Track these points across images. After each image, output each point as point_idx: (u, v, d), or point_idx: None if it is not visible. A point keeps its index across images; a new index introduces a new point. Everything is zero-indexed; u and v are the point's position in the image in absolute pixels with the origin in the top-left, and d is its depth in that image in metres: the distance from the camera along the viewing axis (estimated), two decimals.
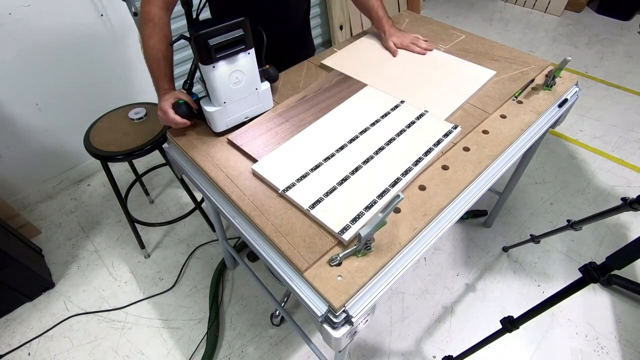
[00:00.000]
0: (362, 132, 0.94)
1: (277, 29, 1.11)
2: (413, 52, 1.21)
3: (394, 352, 1.38)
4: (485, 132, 0.96)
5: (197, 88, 1.02)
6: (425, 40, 1.23)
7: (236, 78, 0.89)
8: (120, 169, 2.05)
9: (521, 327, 0.93)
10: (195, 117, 0.96)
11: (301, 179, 0.84)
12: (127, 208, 1.52)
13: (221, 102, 0.91)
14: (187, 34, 0.88)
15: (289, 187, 0.82)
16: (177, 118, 0.91)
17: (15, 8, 1.48)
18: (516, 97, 1.06)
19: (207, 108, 0.92)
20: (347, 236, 0.72)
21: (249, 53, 0.88)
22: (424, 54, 1.20)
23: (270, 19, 1.08)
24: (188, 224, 1.82)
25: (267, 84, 0.98)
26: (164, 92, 0.94)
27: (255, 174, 0.87)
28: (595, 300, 1.49)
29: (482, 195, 0.86)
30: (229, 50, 0.83)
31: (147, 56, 0.95)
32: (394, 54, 1.21)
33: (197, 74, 0.96)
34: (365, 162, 0.87)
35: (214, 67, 0.84)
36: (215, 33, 0.80)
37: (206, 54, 0.82)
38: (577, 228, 1.27)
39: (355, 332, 0.69)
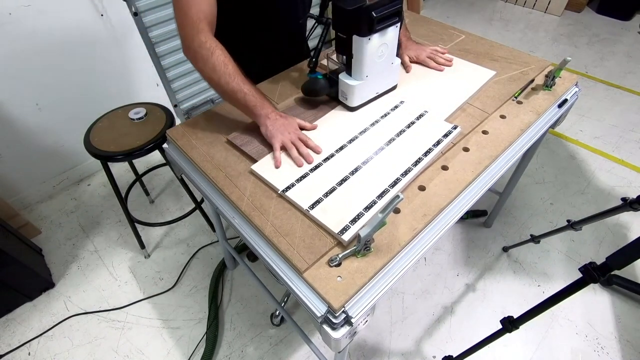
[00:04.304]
0: (361, 133, 0.94)
1: (288, 25, 1.11)
2: (429, 67, 1.12)
3: (394, 352, 1.38)
4: (485, 132, 0.96)
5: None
6: (444, 53, 1.15)
7: (382, 51, 0.91)
8: (120, 169, 2.05)
9: (521, 327, 0.93)
10: (326, 93, 0.99)
11: (300, 180, 0.84)
12: (127, 208, 1.52)
13: (364, 75, 0.92)
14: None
15: (288, 188, 0.82)
16: (308, 125, 0.94)
17: (15, 8, 1.48)
18: (516, 98, 1.06)
19: (349, 82, 0.94)
20: (346, 237, 0.72)
21: (396, 26, 0.89)
22: (440, 70, 1.12)
23: (285, 14, 1.07)
24: (188, 224, 1.82)
25: (399, 60, 1.00)
26: (275, 112, 0.90)
27: (255, 174, 0.87)
28: (595, 300, 1.49)
29: (482, 195, 0.86)
30: (386, 22, 0.85)
31: (232, 87, 0.85)
32: (407, 69, 1.14)
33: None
34: (365, 162, 0.87)
35: (369, 39, 0.85)
36: (379, 4, 0.82)
37: (367, 26, 0.83)
38: (577, 228, 1.27)
39: (355, 332, 0.69)
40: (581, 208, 1.80)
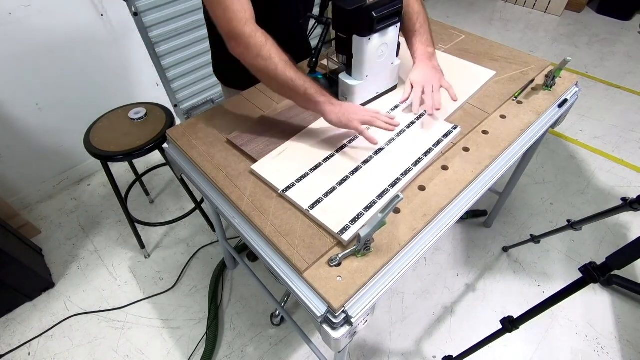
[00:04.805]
0: None
1: (288, 25, 1.10)
2: (413, 104, 0.94)
3: (394, 352, 1.38)
4: (485, 132, 0.96)
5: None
6: (454, 98, 0.96)
7: (382, 51, 0.91)
8: (120, 169, 2.05)
9: (521, 327, 0.93)
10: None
11: (301, 179, 0.84)
12: (127, 208, 1.52)
13: (364, 75, 0.92)
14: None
15: (288, 187, 0.82)
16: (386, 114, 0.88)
17: (15, 8, 1.48)
18: (516, 98, 1.06)
19: (349, 82, 0.93)
20: (346, 236, 0.72)
21: (396, 26, 0.89)
22: (415, 112, 0.94)
23: (285, 14, 1.07)
24: (188, 224, 1.82)
25: (399, 60, 1.00)
26: (334, 99, 0.85)
27: (255, 174, 0.87)
28: (595, 300, 1.49)
29: (482, 195, 0.86)
30: (386, 22, 0.85)
31: (288, 76, 0.80)
32: (403, 95, 0.96)
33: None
34: (365, 162, 0.87)
35: (369, 39, 0.85)
36: (379, 4, 0.82)
37: (368, 26, 0.83)
38: (577, 228, 1.27)
39: (355, 332, 0.69)
40: (581, 208, 1.80)
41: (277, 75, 0.80)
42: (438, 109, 0.92)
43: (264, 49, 0.78)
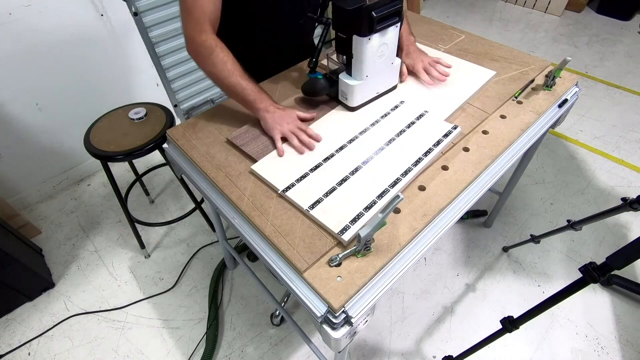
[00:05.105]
0: (361, 133, 0.94)
1: (290, 24, 1.11)
2: (421, 79, 1.07)
3: (394, 352, 1.38)
4: (485, 132, 0.96)
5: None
6: (447, 66, 1.09)
7: (382, 51, 0.91)
8: (120, 169, 2.05)
9: (521, 327, 0.93)
10: (326, 93, 1.01)
11: (301, 179, 0.84)
12: (127, 208, 1.52)
13: (364, 75, 0.93)
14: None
15: (288, 188, 0.82)
16: (307, 115, 0.96)
17: (15, 8, 1.48)
18: (516, 98, 1.06)
19: (349, 82, 0.94)
20: (346, 237, 0.72)
21: (396, 26, 0.90)
22: (431, 84, 1.06)
23: (287, 14, 1.08)
24: (188, 224, 1.82)
25: (399, 60, 1.01)
26: (274, 105, 0.92)
27: (255, 174, 0.87)
28: (595, 300, 1.49)
29: (482, 195, 0.86)
30: (386, 22, 0.85)
31: (230, 82, 0.89)
32: (401, 78, 1.08)
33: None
34: (365, 162, 0.87)
35: (369, 39, 0.86)
36: (379, 4, 0.82)
37: (367, 26, 0.83)
38: (577, 228, 1.27)
39: (355, 332, 0.69)
40: (581, 208, 1.80)
41: (222, 82, 0.89)
42: (448, 75, 1.07)
43: (209, 59, 0.87)
